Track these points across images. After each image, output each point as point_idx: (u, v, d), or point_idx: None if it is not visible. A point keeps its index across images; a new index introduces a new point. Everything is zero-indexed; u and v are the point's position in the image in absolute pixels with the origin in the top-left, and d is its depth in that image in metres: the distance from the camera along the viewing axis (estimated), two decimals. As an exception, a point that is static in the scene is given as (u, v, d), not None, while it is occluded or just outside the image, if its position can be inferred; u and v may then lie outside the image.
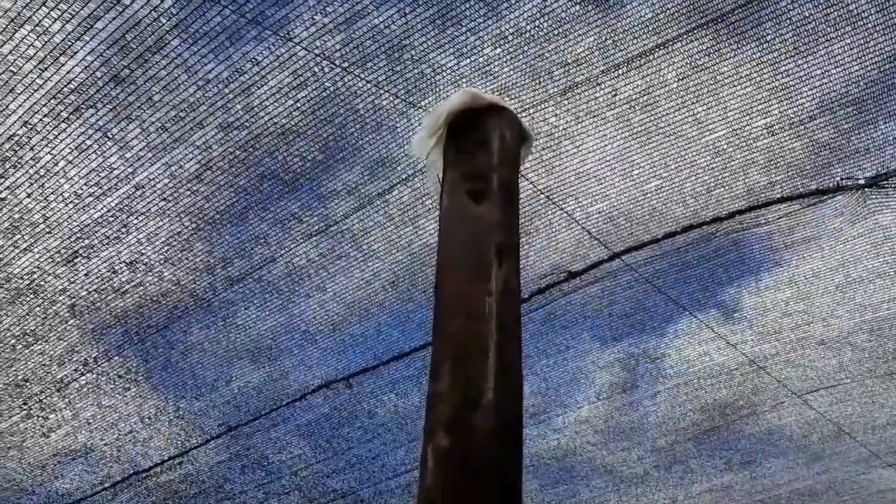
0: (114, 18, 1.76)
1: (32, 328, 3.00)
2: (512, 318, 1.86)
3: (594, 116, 2.38)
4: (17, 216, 2.43)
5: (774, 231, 3.02)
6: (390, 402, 4.10)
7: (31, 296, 2.82)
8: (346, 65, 2.09)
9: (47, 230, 2.50)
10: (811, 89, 2.26)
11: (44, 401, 3.42)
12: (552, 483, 4.80)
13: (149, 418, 3.98)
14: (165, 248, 2.60)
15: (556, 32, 2.04)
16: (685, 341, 3.85)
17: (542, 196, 2.75)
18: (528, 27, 2.02)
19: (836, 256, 3.25)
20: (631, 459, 4.69)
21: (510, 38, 2.05)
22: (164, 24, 1.82)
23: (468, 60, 2.15)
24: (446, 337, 1.80)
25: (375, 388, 3.98)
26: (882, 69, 2.22)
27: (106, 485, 4.33)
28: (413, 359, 3.76)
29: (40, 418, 3.73)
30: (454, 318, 1.82)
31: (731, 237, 3.01)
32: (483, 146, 2.10)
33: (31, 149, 2.13)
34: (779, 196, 2.74)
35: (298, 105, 2.18)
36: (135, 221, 2.50)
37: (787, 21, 2.04)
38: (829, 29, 2.06)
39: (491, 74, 2.20)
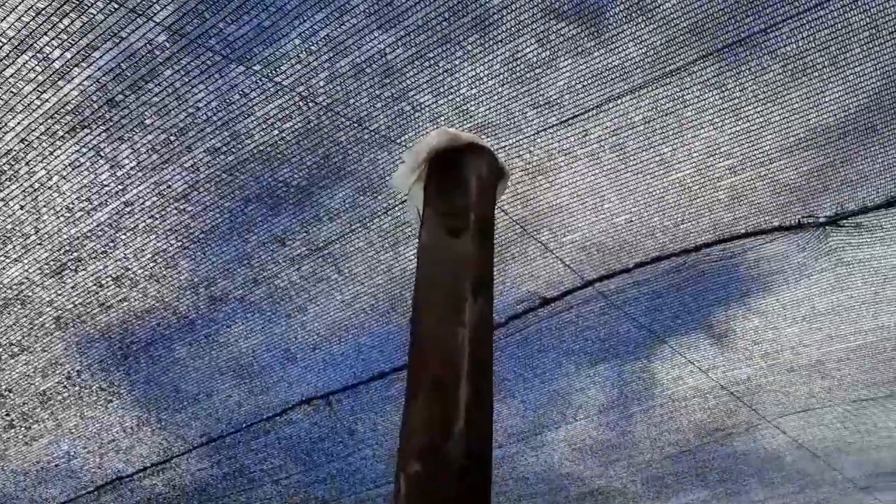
0: (111, 49, 1.87)
1: (18, 339, 3.08)
2: (485, 350, 1.95)
3: (566, 154, 2.50)
4: (9, 226, 2.52)
5: (741, 263, 3.14)
6: (369, 420, 4.18)
7: (19, 306, 2.90)
8: (328, 101, 2.19)
9: (38, 241, 2.59)
10: (771, 134, 2.39)
11: (27, 413, 3.48)
12: (529, 496, 4.88)
13: (131, 429, 4.04)
14: (151, 264, 2.68)
15: (528, 76, 2.16)
16: (658, 366, 3.95)
17: (518, 227, 2.86)
18: (502, 70, 2.13)
19: (801, 290, 3.38)
20: (609, 484, 4.78)
21: (485, 79, 2.16)
22: (157, 56, 1.92)
23: (446, 100, 2.27)
24: (421, 367, 1.90)
25: (356, 406, 4.06)
26: (837, 117, 2.35)
27: (90, 489, 4.39)
28: (392, 379, 3.84)
29: (23, 428, 3.78)
30: (429, 348, 1.91)
31: (698, 268, 3.13)
32: (461, 183, 2.21)
33: (27, 164, 2.23)
34: (743, 231, 2.87)
35: (283, 135, 2.28)
36: (122, 237, 2.59)
37: (747, 71, 2.16)
38: (786, 79, 2.19)
39: (468, 113, 2.31)
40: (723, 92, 2.23)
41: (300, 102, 2.11)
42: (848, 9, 2.05)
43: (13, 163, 2.26)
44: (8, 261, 2.68)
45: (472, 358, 1.88)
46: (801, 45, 2.09)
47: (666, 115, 2.29)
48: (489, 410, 1.88)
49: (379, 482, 4.68)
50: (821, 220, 2.82)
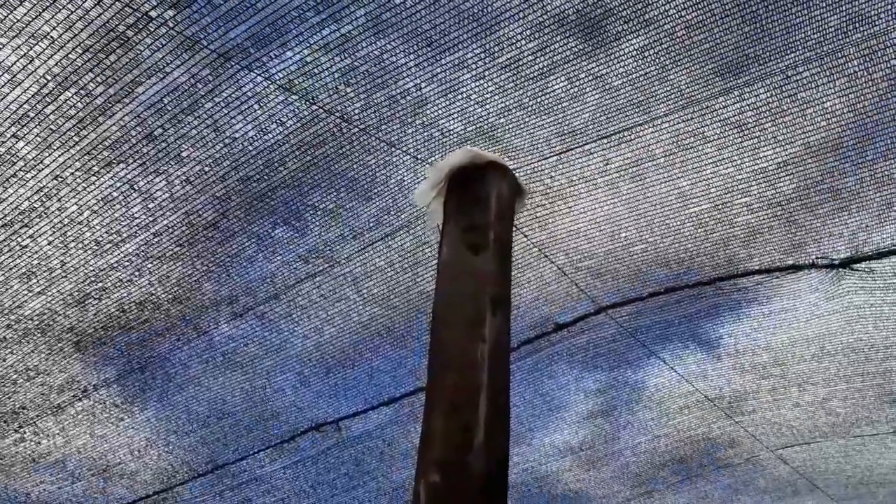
0: (154, 84, 1.92)
1: (35, 363, 3.09)
2: (503, 364, 2.00)
3: (586, 181, 2.56)
4: (35, 262, 2.55)
5: (753, 300, 3.20)
6: (377, 449, 4.18)
7: (39, 335, 2.92)
8: (363, 126, 2.26)
9: (63, 275, 2.62)
10: (788, 175, 2.46)
11: (38, 425, 3.48)
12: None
13: (138, 451, 4.04)
14: (175, 288, 2.72)
15: (555, 108, 2.23)
16: (666, 394, 4.00)
17: (535, 249, 2.92)
18: (531, 103, 2.20)
19: (811, 329, 3.43)
20: (610, 496, 4.79)
21: (513, 110, 2.23)
22: (199, 90, 1.98)
23: (474, 127, 2.34)
24: (441, 379, 1.94)
25: (363, 434, 4.07)
26: (855, 162, 2.42)
27: (91, 514, 4.35)
28: (401, 405, 3.86)
29: (32, 443, 3.78)
30: (449, 361, 1.96)
31: (711, 301, 3.18)
32: (481, 201, 2.27)
33: (59, 199, 2.26)
34: (757, 267, 2.93)
35: (315, 160, 2.34)
36: (149, 266, 2.63)
37: (767, 113, 2.24)
38: (805, 122, 2.27)
39: (494, 139, 2.39)
40: (743, 131, 2.31)
41: (334, 129, 2.17)
42: (868, 60, 2.13)
43: (44, 199, 2.29)
44: (31, 294, 2.70)
45: (491, 372, 1.93)
46: (820, 90, 2.17)
47: (686, 149, 2.37)
48: (507, 423, 1.93)
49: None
50: (835, 261, 2.89)
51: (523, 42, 1.99)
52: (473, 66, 2.04)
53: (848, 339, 3.47)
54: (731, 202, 2.62)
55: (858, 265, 2.90)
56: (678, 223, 2.72)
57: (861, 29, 2.00)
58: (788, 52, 2.05)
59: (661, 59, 2.07)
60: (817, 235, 2.75)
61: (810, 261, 2.89)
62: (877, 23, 1.99)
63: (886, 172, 2.54)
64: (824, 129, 2.30)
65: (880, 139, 2.40)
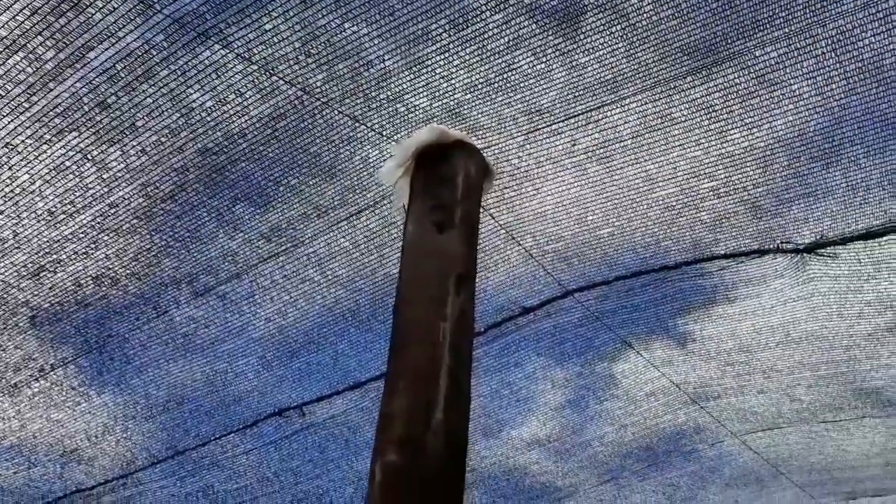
0: (106, 49, 1.84)
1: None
2: (465, 344, 1.98)
3: (554, 163, 2.54)
4: (-14, 231, 2.46)
5: (719, 284, 3.21)
6: (342, 436, 4.13)
7: (-8, 308, 2.83)
8: (325, 99, 2.20)
9: (16, 246, 2.53)
10: (755, 159, 2.45)
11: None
12: (502, 498, 4.88)
13: (96, 436, 3.95)
14: (133, 262, 2.65)
15: (522, 85, 2.19)
16: (633, 380, 4.01)
17: (503, 231, 2.89)
18: (497, 79, 2.17)
19: (776, 316, 3.45)
20: (578, 492, 4.81)
21: (480, 86, 2.19)
22: (154, 56, 1.91)
23: (440, 103, 2.29)
24: (402, 358, 1.91)
25: (328, 419, 4.02)
26: (822, 148, 2.43)
27: (47, 500, 4.26)
28: (367, 389, 3.82)
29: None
30: (411, 340, 1.93)
31: (677, 285, 3.19)
32: (449, 179, 2.23)
33: (10, 168, 2.18)
34: (723, 252, 2.94)
35: (277, 133, 2.28)
36: (105, 238, 2.56)
37: (734, 95, 2.23)
38: (772, 105, 2.26)
39: (460, 116, 2.35)
40: (710, 113, 2.30)
41: (296, 101, 2.11)
42: (836, 41, 2.13)
43: (-6, 169, 2.21)
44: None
45: (453, 351, 1.91)
46: (787, 72, 2.17)
47: (654, 130, 2.35)
48: (468, 403, 1.91)
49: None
50: (800, 247, 2.90)
51: (488, 14, 1.95)
52: (438, 39, 2.00)
53: (812, 326, 3.50)
54: (698, 186, 2.61)
55: (823, 250, 2.92)
56: (645, 207, 2.70)
57: (829, 8, 1.99)
58: (756, 30, 2.04)
59: (629, 35, 2.04)
60: (782, 221, 2.76)
61: (775, 246, 2.90)
62: (844, 2, 1.98)
63: (853, 157, 2.55)
64: (791, 113, 2.30)
65: (847, 124, 2.41)
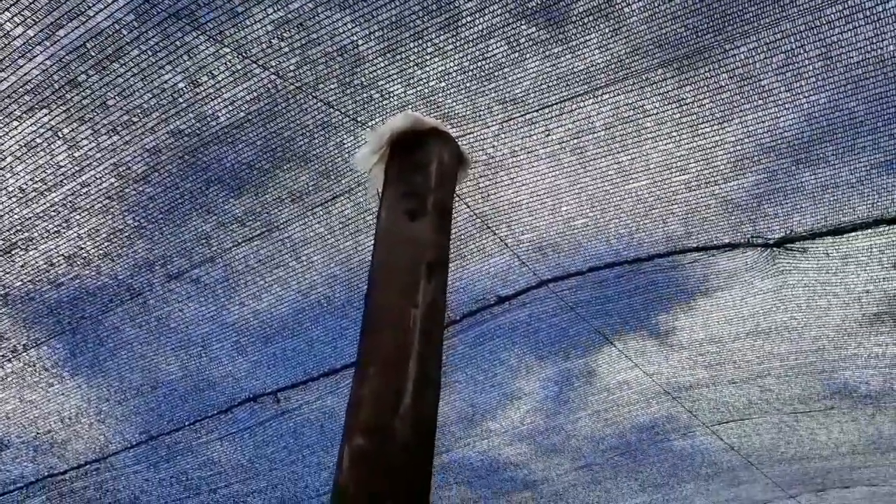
0: (76, 27, 1.83)
1: (-40, 316, 2.98)
2: (436, 330, 1.99)
3: (528, 152, 2.55)
4: (-44, 206, 2.44)
5: (690, 276, 3.25)
6: (317, 421, 4.14)
7: (-38, 285, 2.81)
8: (299, 84, 2.20)
9: (-14, 221, 2.52)
10: (726, 154, 2.49)
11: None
12: (474, 498, 4.92)
13: (69, 419, 3.93)
14: (106, 243, 2.64)
15: (496, 74, 2.21)
16: (606, 369, 4.05)
17: (478, 220, 2.91)
18: (471, 67, 2.18)
19: (747, 307, 3.51)
20: (550, 477, 4.86)
21: (454, 74, 2.20)
22: (124, 36, 1.90)
23: (414, 90, 2.30)
24: (372, 342, 1.93)
25: (303, 405, 4.03)
26: (791, 144, 2.46)
27: (18, 484, 4.24)
28: (343, 376, 3.83)
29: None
30: (382, 325, 1.95)
31: (650, 277, 3.22)
32: (422, 167, 2.24)
33: (-21, 144, 2.17)
34: (694, 245, 2.97)
35: (250, 117, 2.28)
36: (77, 217, 2.54)
37: (705, 87, 2.25)
38: (742, 100, 2.29)
39: (435, 104, 2.35)
40: (681, 106, 2.32)
41: (269, 85, 2.11)
42: (804, 37, 2.15)
43: (-34, 142, 2.19)
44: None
45: (423, 336, 1.92)
46: (758, 66, 2.19)
47: (626, 122, 2.37)
48: (437, 389, 1.93)
49: (321, 491, 4.63)
50: (769, 241, 2.94)
51: (462, 1, 1.95)
52: (412, 24, 2.00)
53: (782, 317, 3.55)
54: (670, 179, 2.64)
55: (792, 245, 2.96)
56: (618, 198, 2.73)
57: (797, 3, 2.01)
58: (726, 24, 2.06)
59: (601, 26, 2.05)
60: (753, 215, 2.80)
61: (745, 240, 2.94)
62: (812, -1, 2.00)
63: (822, 155, 2.59)
64: (761, 109, 2.33)
65: (816, 121, 2.44)
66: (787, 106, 2.36)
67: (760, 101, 2.33)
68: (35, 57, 1.93)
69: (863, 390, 4.24)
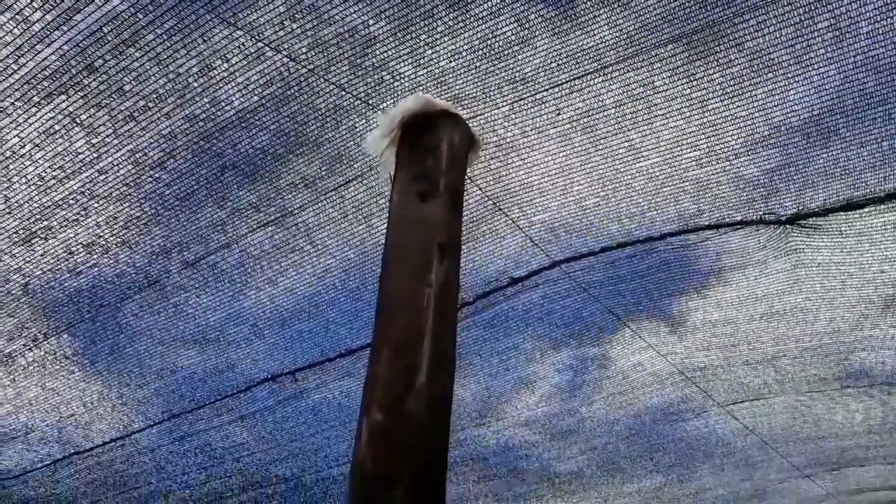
0: (93, 11, 1.86)
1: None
2: (449, 310, 2.02)
3: (539, 133, 2.57)
4: (-23, 196, 2.49)
5: (703, 255, 3.25)
6: (334, 400, 4.21)
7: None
8: (311, 66, 2.23)
9: (7, 211, 2.56)
10: (736, 129, 2.48)
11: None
12: (490, 476, 4.97)
13: (91, 403, 4.01)
14: (123, 231, 2.68)
15: (505, 53, 2.22)
16: (620, 350, 4.07)
17: (489, 202, 2.93)
18: (481, 46, 2.19)
19: (760, 287, 3.50)
20: (565, 457, 4.89)
21: (464, 54, 2.22)
22: (140, 20, 1.93)
23: (425, 71, 2.32)
24: (387, 322, 1.96)
25: (321, 384, 4.09)
26: (800, 117, 2.45)
27: (46, 462, 4.34)
28: (359, 356, 3.88)
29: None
30: (395, 305, 1.98)
31: (662, 256, 3.23)
32: (433, 149, 2.26)
33: (0, 131, 2.21)
34: (706, 223, 2.97)
35: (263, 101, 2.31)
36: (95, 205, 2.59)
37: (715, 63, 2.25)
38: (752, 74, 2.28)
39: (445, 84, 2.37)
40: (691, 81, 2.32)
41: (282, 68, 2.14)
42: (813, 8, 2.15)
43: (-16, 130, 2.24)
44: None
45: (437, 316, 1.95)
46: (767, 39, 2.19)
47: (636, 100, 2.38)
48: (451, 367, 1.95)
49: (340, 460, 4.72)
50: (782, 217, 2.94)
51: (470, -21, 1.97)
52: (421, 3, 2.02)
53: (796, 298, 3.55)
54: (681, 156, 2.64)
55: (805, 222, 2.96)
56: (629, 177, 2.74)
57: (806, -24, 2.01)
58: (735, -1, 2.06)
59: (610, 1, 2.06)
60: (765, 191, 2.80)
61: (758, 217, 2.94)
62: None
63: (833, 128, 2.58)
64: (771, 82, 2.33)
65: (826, 93, 2.43)
66: (797, 79, 2.36)
67: (770, 75, 2.33)
68: (53, 42, 1.96)
69: (878, 370, 4.23)
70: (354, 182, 2.79)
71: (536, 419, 4.52)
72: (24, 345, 3.24)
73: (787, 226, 3.04)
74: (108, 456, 4.38)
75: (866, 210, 2.94)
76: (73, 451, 4.37)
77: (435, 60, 2.22)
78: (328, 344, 3.71)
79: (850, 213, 2.95)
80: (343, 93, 2.32)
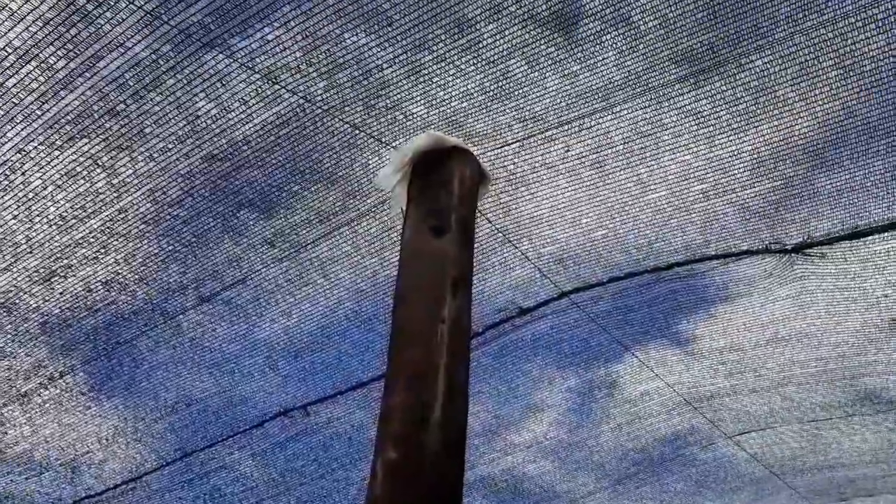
0: (115, 59, 1.93)
1: (1, 345, 3.07)
2: (462, 345, 2.05)
3: (548, 168, 2.62)
4: (0, 237, 2.54)
5: (710, 285, 3.29)
6: (345, 435, 4.21)
7: (4, 314, 2.90)
8: (326, 107, 2.29)
9: (28, 250, 2.61)
10: (742, 163, 2.54)
11: (5, 414, 3.46)
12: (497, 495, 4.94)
13: (106, 439, 4.02)
14: (141, 268, 2.73)
15: (516, 93, 2.28)
16: (627, 379, 4.08)
17: (499, 235, 2.97)
18: (492, 87, 2.25)
19: (766, 315, 3.53)
20: (573, 489, 4.87)
21: (475, 95, 2.28)
22: (161, 66, 1.99)
23: (437, 111, 2.38)
24: (401, 358, 1.98)
25: (332, 418, 4.09)
26: (805, 151, 2.51)
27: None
28: (370, 389, 3.89)
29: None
30: (409, 341, 2.00)
31: (669, 286, 3.26)
32: (444, 185, 2.31)
33: (23, 174, 2.26)
34: (713, 253, 3.02)
35: (279, 141, 2.37)
36: (114, 243, 2.64)
37: (721, 101, 2.31)
38: (758, 111, 2.34)
39: (457, 124, 2.43)
40: (698, 119, 2.38)
41: (297, 109, 2.20)
42: (818, 48, 2.21)
43: (9, 173, 2.29)
44: (-3, 270, 2.69)
45: (450, 352, 1.97)
46: (772, 78, 2.25)
47: (644, 136, 2.43)
48: (465, 402, 1.97)
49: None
50: (787, 247, 2.98)
51: (483, 23, 2.03)
52: (434, 48, 2.08)
53: (801, 324, 3.57)
54: (688, 189, 2.69)
55: (810, 250, 3.00)
56: (637, 210, 2.79)
57: (810, 17, 2.07)
58: (741, 39, 2.12)
59: (618, 44, 2.13)
60: (770, 222, 2.84)
61: (764, 246, 2.98)
62: (825, 11, 2.06)
63: (836, 160, 2.63)
64: (776, 118, 2.38)
65: (829, 128, 2.49)
66: (801, 115, 2.42)
67: (776, 111, 2.39)
68: (76, 88, 2.02)
69: (884, 396, 4.24)
70: (367, 216, 2.84)
71: (544, 449, 4.52)
72: (40, 383, 3.27)
73: (793, 254, 3.08)
74: (118, 501, 4.36)
75: (869, 238, 2.99)
76: (84, 494, 4.35)
77: (447, 101, 2.28)
78: (339, 377, 3.73)
79: (854, 241, 3.00)
80: (357, 132, 2.38)
